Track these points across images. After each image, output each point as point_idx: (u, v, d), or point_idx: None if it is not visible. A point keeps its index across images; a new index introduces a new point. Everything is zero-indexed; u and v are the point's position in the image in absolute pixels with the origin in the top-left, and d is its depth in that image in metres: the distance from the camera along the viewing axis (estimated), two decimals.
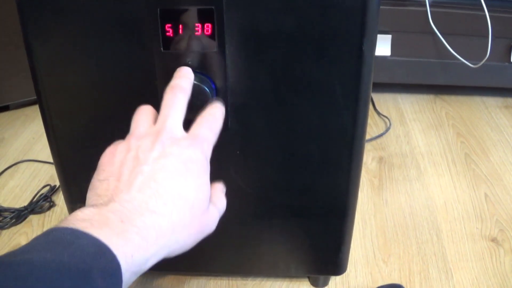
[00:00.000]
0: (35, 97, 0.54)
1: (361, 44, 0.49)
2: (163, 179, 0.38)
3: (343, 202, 0.60)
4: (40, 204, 0.90)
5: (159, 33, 0.48)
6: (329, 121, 0.54)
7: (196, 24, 0.47)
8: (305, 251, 0.66)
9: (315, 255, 0.66)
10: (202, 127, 0.43)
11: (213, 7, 0.47)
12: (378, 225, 0.85)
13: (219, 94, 0.51)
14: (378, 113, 1.21)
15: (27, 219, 0.87)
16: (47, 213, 0.89)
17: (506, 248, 0.80)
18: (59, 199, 0.92)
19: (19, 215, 0.87)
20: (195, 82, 0.47)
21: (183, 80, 0.46)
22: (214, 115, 0.45)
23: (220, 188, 0.46)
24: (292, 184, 0.59)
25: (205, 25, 0.48)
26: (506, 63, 1.18)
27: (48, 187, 0.94)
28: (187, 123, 0.43)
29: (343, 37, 0.49)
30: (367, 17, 0.48)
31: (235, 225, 0.62)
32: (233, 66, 0.50)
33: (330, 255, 0.66)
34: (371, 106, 1.23)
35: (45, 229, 0.43)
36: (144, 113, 0.44)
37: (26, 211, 0.87)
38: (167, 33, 0.48)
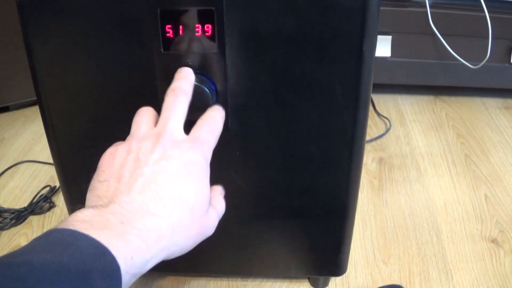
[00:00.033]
0: (35, 98, 0.54)
1: (361, 44, 0.49)
2: (164, 181, 0.38)
3: (343, 202, 0.60)
4: (40, 205, 0.89)
5: (159, 34, 0.48)
6: (329, 122, 0.54)
7: (196, 25, 0.47)
8: (305, 251, 0.66)
9: (315, 255, 0.66)
10: (203, 130, 0.43)
11: (213, 8, 0.47)
12: (378, 226, 0.85)
13: (219, 95, 0.51)
14: (378, 114, 1.21)
15: (27, 220, 0.87)
16: (47, 214, 0.89)
17: (506, 249, 0.80)
18: (59, 200, 0.92)
19: (19, 216, 0.86)
20: (196, 83, 0.47)
21: (184, 82, 0.46)
22: (214, 118, 0.45)
23: (219, 191, 0.46)
24: (292, 185, 0.59)
25: (205, 26, 0.48)
26: (506, 64, 1.17)
27: (48, 188, 0.94)
28: (187, 124, 0.43)
29: (343, 37, 0.49)
30: (367, 17, 0.48)
31: (235, 225, 0.62)
32: (233, 67, 0.50)
33: (330, 255, 0.66)
34: (371, 107, 1.23)
35: (45, 230, 0.43)
36: (145, 115, 0.45)
37: (26, 212, 0.87)
38: (167, 34, 0.48)
